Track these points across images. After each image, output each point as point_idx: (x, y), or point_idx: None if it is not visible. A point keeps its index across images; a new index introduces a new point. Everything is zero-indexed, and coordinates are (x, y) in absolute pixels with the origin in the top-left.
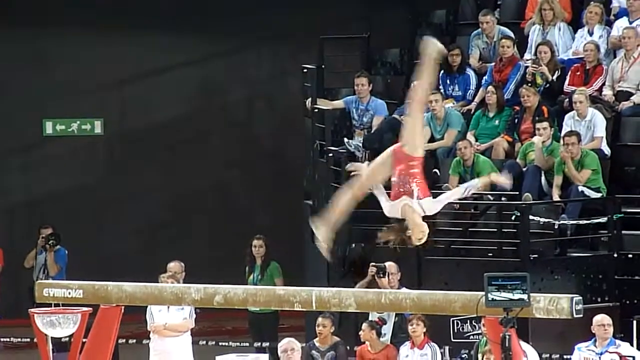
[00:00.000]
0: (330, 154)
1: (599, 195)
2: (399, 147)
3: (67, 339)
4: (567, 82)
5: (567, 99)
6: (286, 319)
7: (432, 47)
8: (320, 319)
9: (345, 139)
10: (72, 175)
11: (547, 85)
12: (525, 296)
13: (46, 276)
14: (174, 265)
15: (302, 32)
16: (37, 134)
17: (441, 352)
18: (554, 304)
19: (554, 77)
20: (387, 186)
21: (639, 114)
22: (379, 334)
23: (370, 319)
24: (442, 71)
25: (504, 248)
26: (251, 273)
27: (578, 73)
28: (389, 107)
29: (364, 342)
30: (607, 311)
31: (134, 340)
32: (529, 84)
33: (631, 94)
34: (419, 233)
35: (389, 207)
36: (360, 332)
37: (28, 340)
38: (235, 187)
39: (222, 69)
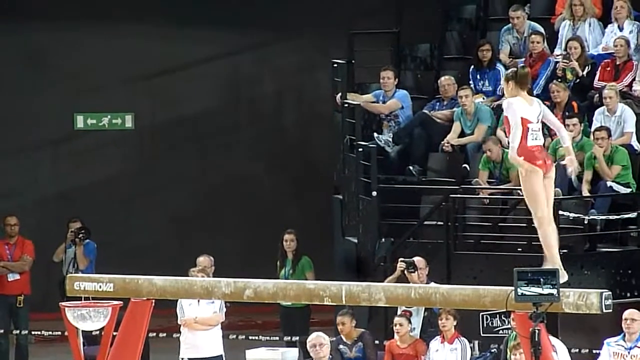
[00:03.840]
0: (360, 149)
1: (628, 190)
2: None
3: (97, 332)
4: (597, 77)
5: (597, 95)
6: (317, 314)
7: None
8: (338, 317)
9: (375, 134)
10: (102, 169)
11: (577, 80)
12: (554, 291)
13: (76, 270)
14: (203, 260)
15: (332, 26)
16: (68, 128)
17: (471, 347)
18: (583, 299)
19: (584, 73)
20: None
21: None
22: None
23: (399, 312)
24: (472, 66)
25: (533, 243)
26: (283, 267)
27: (608, 68)
28: (419, 102)
29: (393, 336)
30: (637, 306)
31: (165, 334)
32: (559, 80)
33: None
34: None
35: None
36: (396, 327)
37: (59, 333)
38: (265, 181)
39: (252, 62)
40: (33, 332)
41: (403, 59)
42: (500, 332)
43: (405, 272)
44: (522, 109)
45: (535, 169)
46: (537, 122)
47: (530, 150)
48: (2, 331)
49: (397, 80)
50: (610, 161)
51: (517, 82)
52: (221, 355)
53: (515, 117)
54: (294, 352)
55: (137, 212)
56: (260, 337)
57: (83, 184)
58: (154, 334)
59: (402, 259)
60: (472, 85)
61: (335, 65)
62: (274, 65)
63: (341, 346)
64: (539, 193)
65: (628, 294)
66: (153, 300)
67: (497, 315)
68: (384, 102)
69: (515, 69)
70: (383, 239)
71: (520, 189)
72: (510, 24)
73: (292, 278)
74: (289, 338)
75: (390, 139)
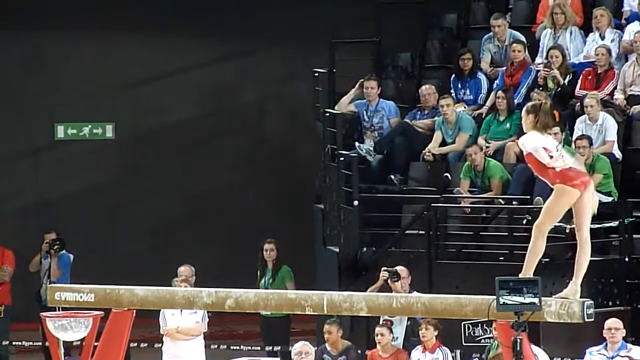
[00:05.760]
0: (342, 158)
1: (610, 199)
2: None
3: (78, 343)
4: (578, 86)
5: (579, 103)
6: (298, 323)
7: None
8: (326, 326)
9: (357, 143)
10: (83, 179)
11: (559, 89)
12: (536, 300)
13: (50, 281)
14: (185, 269)
15: (313, 35)
16: (49, 138)
17: (452, 356)
18: (565, 308)
19: (566, 81)
20: None
21: None
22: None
23: (380, 322)
24: (453, 75)
25: (515, 252)
26: (263, 277)
27: (589, 77)
28: (401, 111)
29: (375, 346)
30: (618, 315)
31: (146, 344)
32: (540, 88)
33: None
34: None
35: None
36: (378, 337)
37: (40, 344)
38: (246, 190)
39: (234, 71)
40: (14, 343)
41: (384, 67)
42: (483, 341)
43: (389, 281)
44: (539, 141)
45: (572, 190)
46: (557, 151)
47: (563, 172)
48: None
49: (379, 89)
50: (592, 170)
51: (537, 117)
52: None
53: (535, 145)
54: None
55: (118, 222)
56: (241, 347)
57: (64, 194)
58: (136, 344)
59: (385, 268)
60: (453, 94)
61: (317, 74)
62: (256, 75)
63: (325, 356)
64: (561, 215)
65: (610, 303)
66: (134, 311)
67: (479, 325)
68: (366, 111)
69: (538, 102)
70: (365, 249)
71: (501, 198)
72: (491, 33)
73: (272, 287)
74: (270, 348)
75: (372, 148)
